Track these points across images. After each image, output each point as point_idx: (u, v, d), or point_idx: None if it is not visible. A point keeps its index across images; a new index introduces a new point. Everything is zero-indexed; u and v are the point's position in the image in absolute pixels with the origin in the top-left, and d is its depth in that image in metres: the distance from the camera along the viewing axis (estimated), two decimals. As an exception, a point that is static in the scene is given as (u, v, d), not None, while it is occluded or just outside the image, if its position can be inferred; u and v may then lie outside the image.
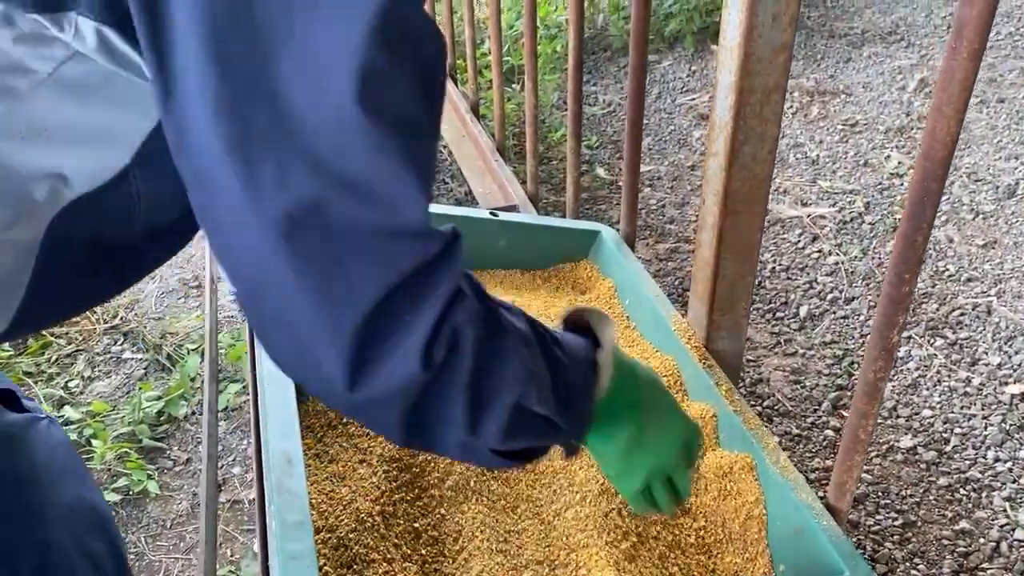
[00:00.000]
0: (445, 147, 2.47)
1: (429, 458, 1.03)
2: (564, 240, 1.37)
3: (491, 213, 1.34)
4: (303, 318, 0.53)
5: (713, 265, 1.10)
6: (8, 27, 0.55)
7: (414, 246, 0.53)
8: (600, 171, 2.80)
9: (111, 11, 0.53)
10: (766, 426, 1.01)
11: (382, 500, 0.95)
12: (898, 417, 1.90)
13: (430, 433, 0.61)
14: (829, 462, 1.81)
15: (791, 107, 3.09)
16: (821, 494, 0.98)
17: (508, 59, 2.95)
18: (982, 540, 1.64)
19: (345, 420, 1.06)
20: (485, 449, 0.63)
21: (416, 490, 0.99)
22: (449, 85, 2.32)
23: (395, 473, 0.97)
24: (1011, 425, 1.85)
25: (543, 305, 1.33)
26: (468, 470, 1.02)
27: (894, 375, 2.01)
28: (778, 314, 2.20)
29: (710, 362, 1.12)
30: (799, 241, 2.44)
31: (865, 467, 1.79)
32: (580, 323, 0.78)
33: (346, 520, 0.93)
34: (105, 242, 0.68)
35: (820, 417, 1.91)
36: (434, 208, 1.33)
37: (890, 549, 1.64)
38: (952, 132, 0.67)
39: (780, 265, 2.36)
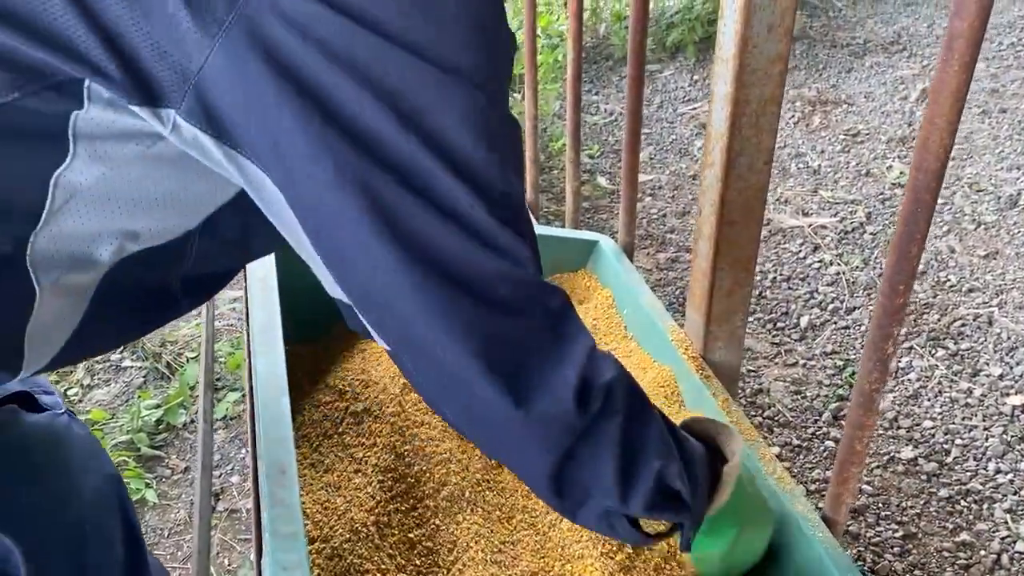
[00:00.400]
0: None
1: (424, 468, 1.02)
2: (562, 250, 1.37)
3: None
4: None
5: (710, 276, 1.10)
6: (112, 112, 0.58)
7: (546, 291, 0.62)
8: (601, 180, 2.80)
9: (211, 124, 0.56)
10: (764, 437, 1.01)
11: (377, 510, 0.95)
12: (899, 428, 1.89)
13: (578, 490, 0.65)
14: (829, 473, 1.79)
15: (793, 117, 3.09)
16: (821, 505, 0.98)
17: (509, 69, 2.95)
18: (983, 552, 1.63)
19: (340, 430, 1.06)
20: (625, 520, 0.68)
21: (411, 500, 0.99)
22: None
23: (390, 483, 0.97)
24: (1012, 436, 1.85)
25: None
26: (463, 480, 1.02)
27: (895, 386, 2.00)
28: (779, 324, 2.19)
29: (707, 373, 1.12)
30: (800, 251, 2.44)
31: (866, 478, 1.79)
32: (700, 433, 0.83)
33: (340, 530, 0.92)
34: (146, 289, 0.71)
35: (821, 428, 1.90)
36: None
37: (890, 561, 1.63)
38: (945, 144, 0.67)
39: (781, 275, 2.35)
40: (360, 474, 1.00)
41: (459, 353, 0.59)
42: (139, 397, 1.95)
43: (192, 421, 1.92)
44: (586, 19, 3.57)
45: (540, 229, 1.40)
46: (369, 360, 1.14)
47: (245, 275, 1.12)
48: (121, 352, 2.10)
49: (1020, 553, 1.62)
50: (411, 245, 0.56)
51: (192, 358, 2.06)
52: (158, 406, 1.92)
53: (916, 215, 0.71)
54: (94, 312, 0.68)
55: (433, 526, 0.97)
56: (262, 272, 1.09)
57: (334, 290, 0.65)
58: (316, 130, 0.54)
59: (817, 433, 1.89)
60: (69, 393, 1.99)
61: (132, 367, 2.06)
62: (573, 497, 0.66)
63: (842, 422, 1.92)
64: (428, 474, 1.02)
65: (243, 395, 1.96)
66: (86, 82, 0.56)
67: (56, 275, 0.63)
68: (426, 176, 0.56)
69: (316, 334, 1.29)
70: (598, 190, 2.76)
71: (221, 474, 1.81)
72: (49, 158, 0.59)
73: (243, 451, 1.87)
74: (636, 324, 1.26)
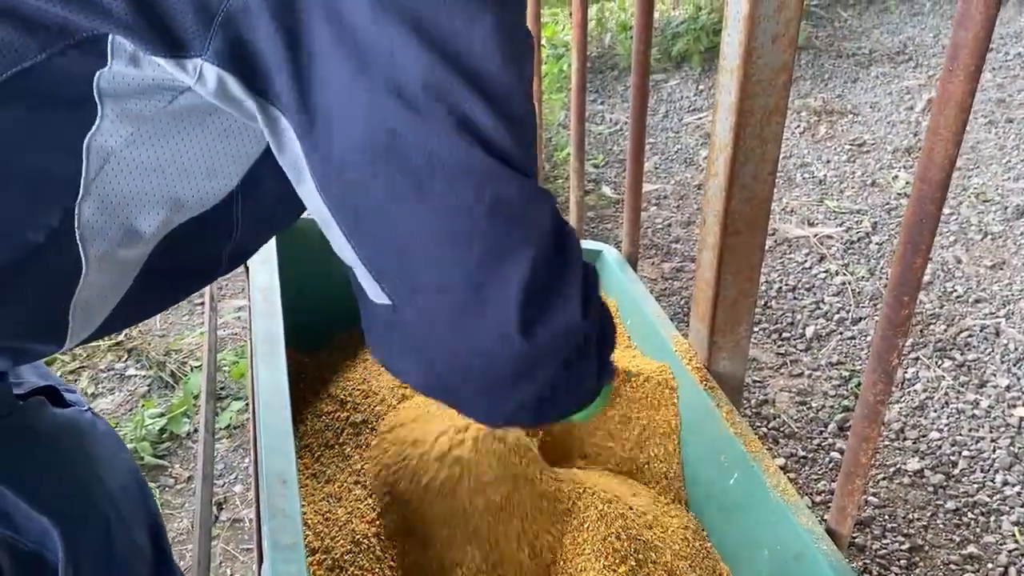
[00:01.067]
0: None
1: (423, 483, 1.02)
2: (566, 260, 1.37)
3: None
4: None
5: (714, 286, 1.09)
6: (134, 67, 0.57)
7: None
8: (606, 190, 2.80)
9: (237, 61, 0.56)
10: (769, 448, 1.01)
11: (378, 522, 0.94)
12: (905, 439, 1.88)
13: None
14: (835, 484, 1.78)
15: (798, 126, 3.08)
16: (826, 517, 0.97)
17: (515, 78, 2.95)
18: (990, 565, 1.61)
19: (341, 440, 1.06)
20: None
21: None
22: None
23: (389, 500, 0.97)
24: (1020, 448, 1.83)
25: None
26: (463, 496, 1.01)
27: (901, 397, 1.99)
28: (784, 335, 2.18)
29: (711, 384, 1.11)
30: (806, 261, 2.43)
31: (872, 490, 1.77)
32: None
33: (342, 541, 0.92)
34: (195, 261, 0.72)
35: (826, 439, 1.89)
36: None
37: (896, 574, 1.62)
38: (950, 155, 0.67)
39: (787, 285, 2.34)
40: (360, 486, 1.00)
41: (484, 274, 0.59)
42: (143, 406, 1.95)
43: (195, 430, 1.92)
44: (591, 29, 3.58)
45: (544, 239, 1.40)
46: (370, 370, 1.14)
47: (248, 284, 1.12)
48: (125, 360, 2.10)
49: (1028, 567, 1.61)
50: (432, 172, 0.56)
51: (196, 367, 2.06)
52: (162, 415, 1.92)
53: (920, 226, 0.71)
54: (140, 286, 0.68)
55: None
56: (265, 281, 1.09)
57: (343, 251, 0.63)
58: (349, 67, 0.54)
59: (823, 444, 1.88)
60: (73, 401, 1.98)
61: (136, 376, 2.06)
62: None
63: (848, 433, 1.90)
64: (423, 503, 1.01)
65: (247, 404, 1.96)
66: (109, 37, 0.55)
67: (104, 248, 0.63)
68: (457, 100, 0.55)
69: (319, 343, 1.29)
70: (603, 200, 2.75)
71: (224, 483, 1.81)
72: (79, 122, 0.59)
73: (246, 460, 1.86)
74: (640, 334, 1.26)
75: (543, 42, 3.12)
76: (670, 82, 3.45)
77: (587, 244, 1.39)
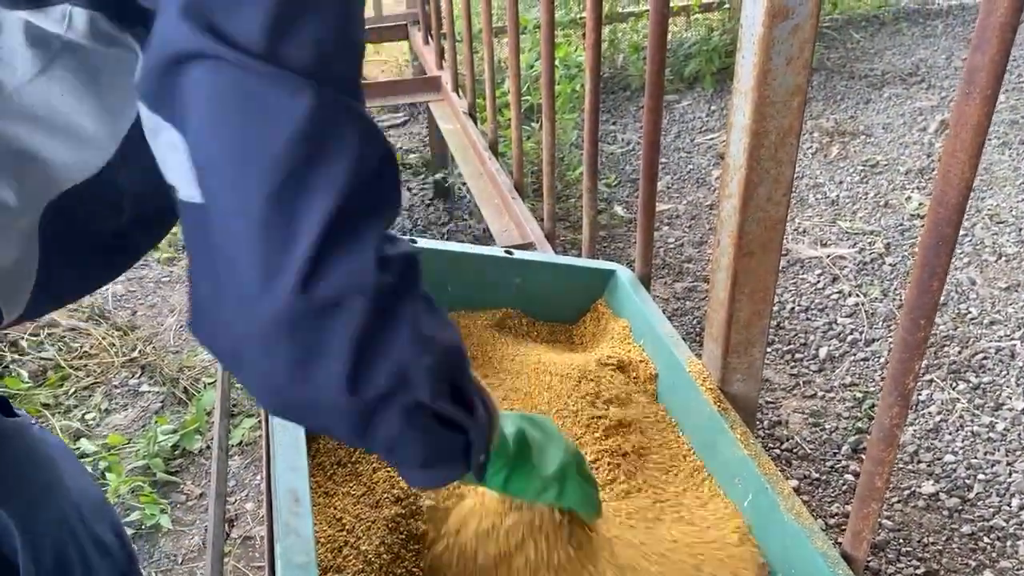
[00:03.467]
0: (464, 184, 2.49)
1: (431, 514, 1.01)
2: (579, 279, 1.37)
3: (505, 251, 1.35)
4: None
5: (728, 307, 1.09)
6: (4, 23, 0.58)
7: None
8: (618, 209, 2.80)
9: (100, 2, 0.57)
10: (782, 470, 1.00)
11: (388, 540, 0.94)
12: (919, 462, 1.87)
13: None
14: (849, 507, 1.77)
15: (811, 147, 3.08)
16: (840, 540, 0.96)
17: (528, 98, 2.97)
18: (1007, 591, 1.60)
19: (354, 458, 1.06)
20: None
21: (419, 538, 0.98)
22: (468, 123, 2.34)
23: (400, 516, 0.97)
24: (1037, 472, 1.81)
25: (565, 340, 1.33)
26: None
27: (915, 419, 1.97)
28: (797, 355, 2.17)
29: (725, 405, 1.11)
30: (819, 282, 2.42)
31: (886, 513, 1.76)
32: None
33: (354, 561, 0.92)
34: (98, 230, 0.73)
35: (840, 461, 1.88)
36: (450, 246, 1.33)
37: (912, 599, 1.60)
38: (966, 177, 0.67)
39: (799, 306, 2.34)
40: (373, 506, 0.99)
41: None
42: (156, 422, 1.95)
43: (208, 447, 1.92)
44: (604, 50, 3.60)
45: (557, 259, 1.40)
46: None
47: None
48: (139, 376, 2.11)
49: (1046, 592, 1.59)
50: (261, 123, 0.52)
51: (209, 384, 2.07)
52: (174, 431, 1.92)
53: (937, 249, 0.71)
54: (50, 257, 0.69)
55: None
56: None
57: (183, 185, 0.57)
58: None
59: (836, 466, 1.87)
60: (87, 418, 2.00)
61: (149, 392, 2.07)
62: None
63: (862, 455, 1.89)
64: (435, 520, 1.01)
65: (259, 421, 1.96)
66: None
67: None
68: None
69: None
70: (615, 219, 2.76)
71: (236, 500, 1.81)
72: None
73: (258, 477, 1.86)
74: (653, 354, 1.26)
75: (556, 63, 3.14)
76: (682, 103, 3.46)
77: (599, 264, 1.39)
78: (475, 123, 2.34)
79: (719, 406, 1.11)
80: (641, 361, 1.26)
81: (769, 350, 2.19)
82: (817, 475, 1.85)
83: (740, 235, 1.03)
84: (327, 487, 1.02)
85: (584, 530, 0.90)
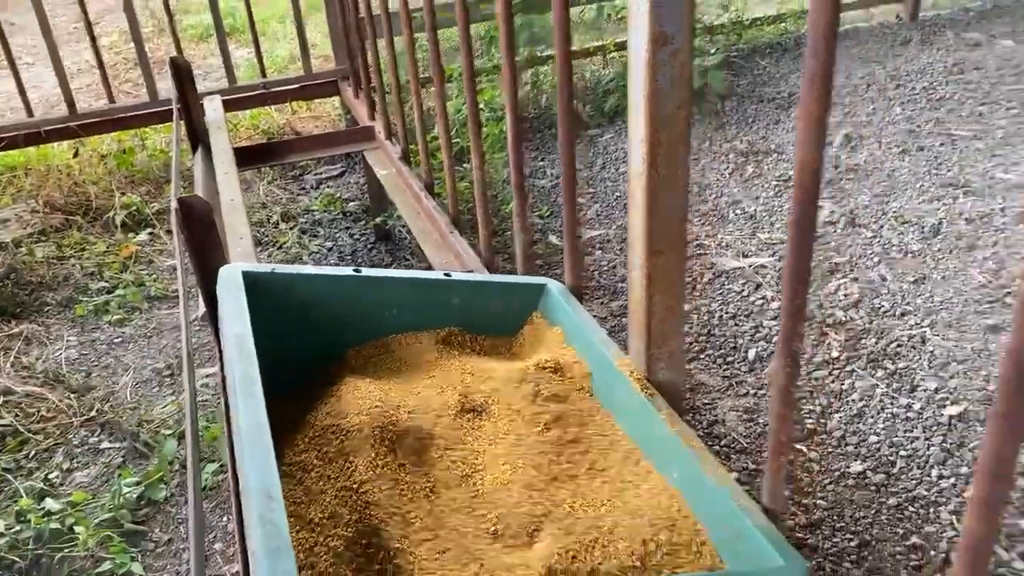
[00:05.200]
0: (404, 226, 2.60)
1: (394, 511, 1.10)
2: (513, 295, 1.48)
3: (444, 275, 1.46)
4: None
5: (645, 302, 1.21)
6: None
7: None
8: (552, 239, 2.94)
9: None
10: (723, 463, 1.11)
11: (353, 546, 1.03)
12: (847, 445, 2.01)
13: None
14: (785, 492, 1.90)
15: (727, 168, 3.28)
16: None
17: (458, 140, 3.12)
18: (932, 553, 1.73)
19: (318, 471, 1.15)
20: None
21: (382, 542, 1.07)
22: (403, 167, 2.46)
23: (361, 526, 1.05)
24: (951, 444, 1.97)
25: (509, 356, 1.44)
26: (438, 529, 1.10)
27: (841, 407, 2.12)
28: (728, 359, 2.32)
29: (652, 391, 1.23)
30: (743, 290, 2.58)
31: (819, 493, 1.89)
32: None
33: (325, 557, 1.00)
34: None
35: (774, 451, 2.01)
36: (394, 273, 1.44)
37: (848, 568, 1.72)
38: (814, 158, 0.80)
39: (727, 313, 2.49)
40: (333, 518, 1.08)
41: None
42: (120, 476, 2.00)
43: (172, 495, 1.97)
44: (528, 91, 3.78)
45: (492, 278, 1.52)
46: (345, 401, 1.23)
47: (218, 340, 1.21)
48: (99, 434, 2.15)
49: (966, 550, 1.73)
50: None
51: (169, 434, 2.12)
52: (139, 483, 1.97)
53: (802, 222, 0.84)
54: None
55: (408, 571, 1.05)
56: (238, 329, 1.18)
57: None
58: None
59: (772, 456, 2.00)
60: (50, 477, 2.03)
61: (110, 448, 2.11)
62: None
63: (794, 444, 2.03)
64: (399, 516, 1.10)
65: (221, 465, 2.02)
66: None
67: None
68: None
69: (292, 386, 1.38)
70: (550, 247, 2.90)
71: (204, 542, 1.86)
72: None
73: (224, 519, 1.92)
74: (586, 355, 1.37)
75: (482, 106, 3.30)
76: (605, 136, 3.65)
77: (532, 279, 1.51)
78: (409, 167, 2.47)
79: (646, 393, 1.23)
80: (575, 362, 1.38)
81: (702, 356, 2.33)
82: (754, 466, 1.98)
83: (648, 236, 1.16)
84: (295, 496, 1.11)
85: None
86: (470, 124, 1.82)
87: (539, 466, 1.16)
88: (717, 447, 2.03)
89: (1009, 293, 2.42)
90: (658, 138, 1.09)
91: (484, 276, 1.54)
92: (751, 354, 2.32)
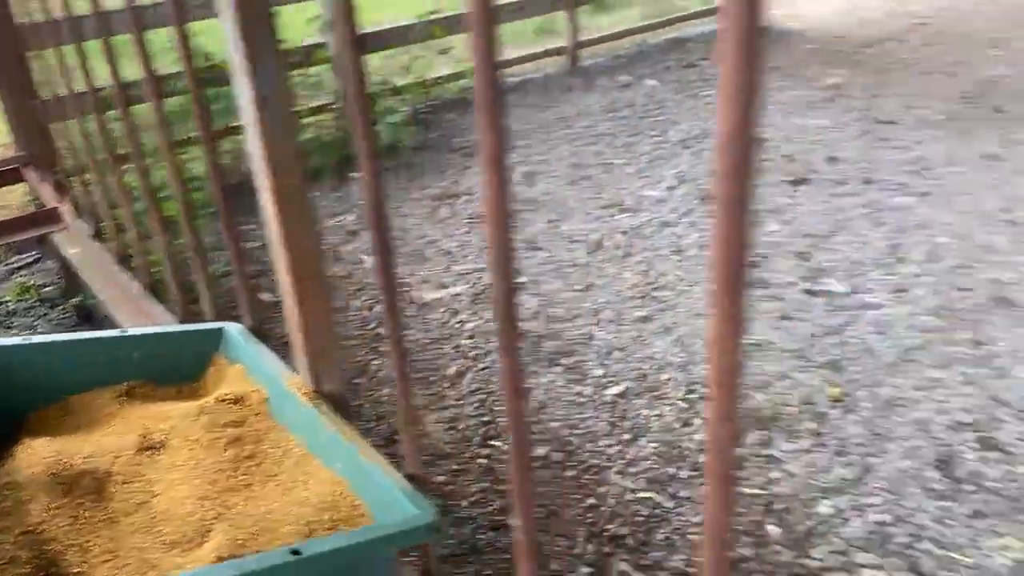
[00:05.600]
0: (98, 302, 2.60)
1: (71, 543, 1.19)
2: (192, 341, 1.61)
3: (120, 331, 1.56)
4: None
5: (300, 324, 1.40)
6: None
7: None
8: (264, 296, 3.06)
9: None
10: (430, 469, 1.31)
11: None
12: (533, 433, 2.32)
13: None
14: (484, 484, 2.16)
15: (423, 212, 3.59)
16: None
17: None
18: (603, 508, 2.06)
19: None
20: None
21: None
22: (93, 244, 2.48)
23: (38, 563, 1.14)
24: (615, 417, 2.34)
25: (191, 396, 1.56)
26: (119, 551, 1.20)
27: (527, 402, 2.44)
28: (431, 379, 2.57)
29: (317, 400, 1.42)
30: (443, 317, 2.86)
31: (505, 479, 2.16)
32: None
33: None
34: None
35: (474, 450, 2.27)
36: (70, 336, 1.52)
37: (540, 536, 2.00)
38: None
39: (429, 339, 2.75)
40: (12, 562, 1.15)
41: None
42: None
43: None
44: (232, 159, 3.88)
45: (168, 328, 1.64)
46: (19, 459, 1.30)
47: None
48: None
49: (629, 500, 2.07)
50: None
51: None
52: None
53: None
54: None
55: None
56: None
57: None
58: None
59: (472, 455, 2.26)
60: None
61: None
62: None
63: (491, 441, 2.30)
64: (77, 547, 1.19)
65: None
66: None
67: None
68: None
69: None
70: (264, 303, 3.01)
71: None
72: None
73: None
74: (263, 384, 1.53)
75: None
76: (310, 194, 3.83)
77: (209, 325, 1.65)
78: (103, 243, 2.50)
79: (313, 403, 1.41)
80: (254, 391, 1.53)
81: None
82: (457, 467, 2.23)
83: (291, 266, 1.36)
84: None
85: None
86: (178, 196, 1.93)
87: (215, 481, 1.30)
88: (425, 457, 2.25)
89: (656, 288, 2.90)
90: (280, 184, 1.29)
91: (161, 327, 1.65)
92: (451, 371, 2.58)
